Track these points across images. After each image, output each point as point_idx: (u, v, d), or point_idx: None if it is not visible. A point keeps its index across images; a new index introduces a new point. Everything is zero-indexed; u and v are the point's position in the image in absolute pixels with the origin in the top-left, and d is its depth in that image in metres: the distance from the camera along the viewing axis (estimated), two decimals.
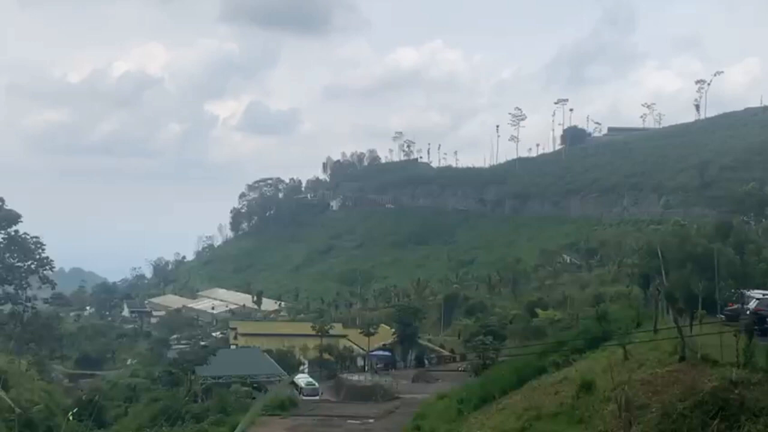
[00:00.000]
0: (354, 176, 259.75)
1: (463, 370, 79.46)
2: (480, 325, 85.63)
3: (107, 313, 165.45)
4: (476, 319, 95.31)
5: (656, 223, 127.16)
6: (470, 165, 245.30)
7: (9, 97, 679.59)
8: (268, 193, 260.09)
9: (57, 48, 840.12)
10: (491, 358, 67.62)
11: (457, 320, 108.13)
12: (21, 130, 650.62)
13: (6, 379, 60.99)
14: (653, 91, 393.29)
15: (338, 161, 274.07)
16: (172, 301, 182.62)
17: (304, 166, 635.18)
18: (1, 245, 79.00)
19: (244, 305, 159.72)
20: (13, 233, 79.68)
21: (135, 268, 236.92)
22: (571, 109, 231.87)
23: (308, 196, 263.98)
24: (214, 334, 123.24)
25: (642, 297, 65.02)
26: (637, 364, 34.91)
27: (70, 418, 59.40)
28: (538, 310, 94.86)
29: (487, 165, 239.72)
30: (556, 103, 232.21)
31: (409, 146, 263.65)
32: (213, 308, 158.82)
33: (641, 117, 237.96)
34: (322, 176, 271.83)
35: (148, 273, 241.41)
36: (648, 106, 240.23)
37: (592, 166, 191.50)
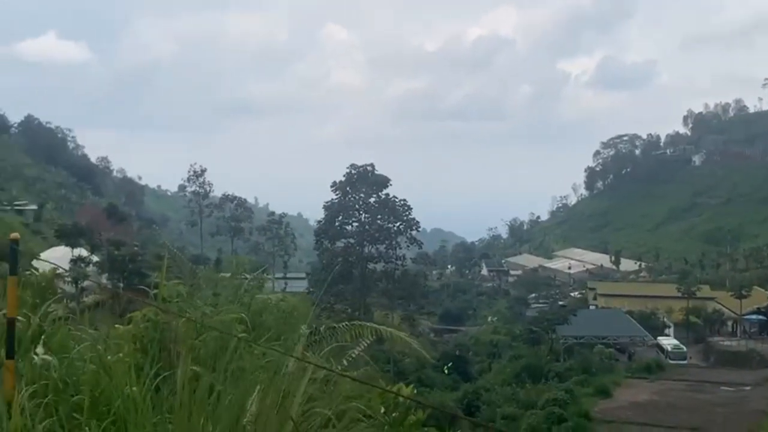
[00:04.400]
0: (718, 128, 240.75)
1: None
2: None
3: (467, 271, 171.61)
4: None
5: None
6: None
7: (372, 70, 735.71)
8: (623, 150, 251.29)
9: (415, 19, 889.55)
10: None
11: None
12: (384, 100, 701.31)
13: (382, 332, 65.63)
14: None
15: (700, 113, 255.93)
16: (528, 260, 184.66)
17: (662, 121, 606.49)
18: (374, 207, 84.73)
19: (601, 265, 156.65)
20: (383, 196, 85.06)
21: (491, 228, 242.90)
22: None
23: (667, 151, 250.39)
24: (572, 294, 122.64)
25: None
26: None
27: (446, 371, 62.47)
28: None
29: None
30: None
31: None
32: (569, 268, 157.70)
33: None
34: (683, 130, 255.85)
35: (504, 233, 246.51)
36: None
37: None
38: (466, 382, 66.02)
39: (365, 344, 6.27)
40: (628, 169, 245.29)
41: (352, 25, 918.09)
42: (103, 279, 54.93)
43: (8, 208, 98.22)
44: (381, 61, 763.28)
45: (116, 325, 7.75)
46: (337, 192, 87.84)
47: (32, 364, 5.31)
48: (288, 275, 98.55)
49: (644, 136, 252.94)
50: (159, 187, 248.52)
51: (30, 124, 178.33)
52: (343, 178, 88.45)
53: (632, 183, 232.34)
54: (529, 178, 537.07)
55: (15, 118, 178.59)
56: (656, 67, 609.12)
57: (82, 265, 53.46)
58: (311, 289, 77.31)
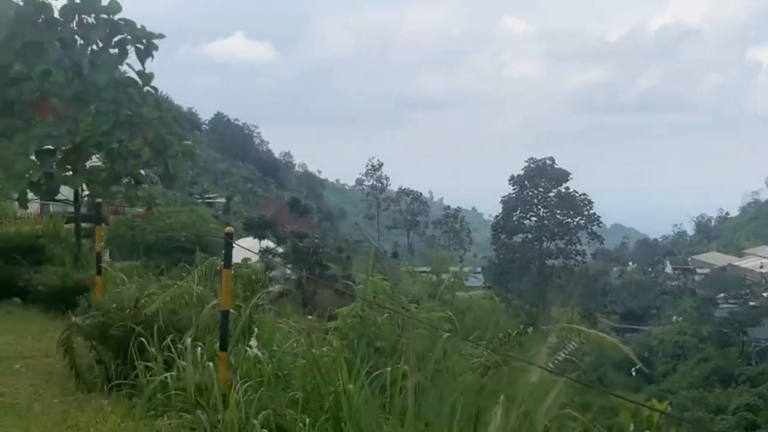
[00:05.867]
0: None
1: None
2: None
3: (650, 269, 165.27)
4: None
5: None
6: None
7: (550, 61, 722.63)
8: None
9: (595, 9, 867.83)
10: None
11: None
12: (563, 92, 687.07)
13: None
14: None
15: None
16: (717, 258, 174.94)
17: None
18: (553, 202, 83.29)
19: None
20: (563, 191, 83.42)
21: (676, 225, 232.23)
22: None
23: None
24: (764, 294, 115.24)
25: None
26: None
27: (633, 373, 60.56)
28: None
29: None
30: None
31: None
32: (761, 267, 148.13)
33: None
34: None
35: (690, 229, 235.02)
36: None
37: None
38: (650, 384, 63.87)
39: (572, 348, 5.94)
40: None
41: (530, 17, 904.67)
42: (288, 270, 56.95)
43: (200, 200, 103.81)
44: (559, 53, 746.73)
45: (309, 317, 7.81)
46: (515, 186, 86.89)
47: (245, 356, 5.39)
48: (464, 270, 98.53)
49: None
50: (337, 181, 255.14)
51: (219, 121, 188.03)
52: (521, 172, 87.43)
53: None
54: (717, 172, 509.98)
55: (206, 115, 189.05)
56: None
57: (270, 256, 55.65)
58: (488, 285, 76.91)
